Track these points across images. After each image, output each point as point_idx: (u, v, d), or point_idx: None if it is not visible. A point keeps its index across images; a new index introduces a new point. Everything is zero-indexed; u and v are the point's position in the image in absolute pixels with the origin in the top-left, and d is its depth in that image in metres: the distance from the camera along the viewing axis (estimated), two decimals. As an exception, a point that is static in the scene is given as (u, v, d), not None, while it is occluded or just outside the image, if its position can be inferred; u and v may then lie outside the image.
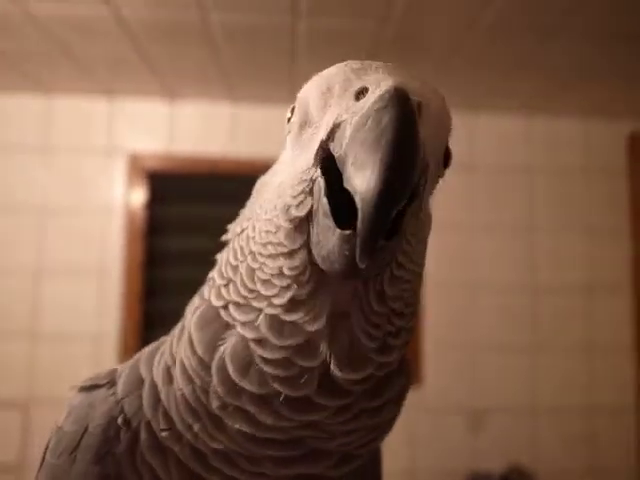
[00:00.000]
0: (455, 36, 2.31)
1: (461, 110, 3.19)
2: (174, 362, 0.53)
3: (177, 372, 0.51)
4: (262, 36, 2.34)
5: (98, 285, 2.99)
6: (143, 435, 0.52)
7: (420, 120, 0.42)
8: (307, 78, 0.52)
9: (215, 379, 0.48)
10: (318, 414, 0.47)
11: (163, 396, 0.52)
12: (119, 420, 0.53)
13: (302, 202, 0.45)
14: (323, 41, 2.36)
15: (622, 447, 3.08)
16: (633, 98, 2.96)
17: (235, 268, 0.51)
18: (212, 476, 0.51)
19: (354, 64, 0.48)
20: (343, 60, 0.50)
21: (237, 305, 0.49)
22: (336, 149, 0.43)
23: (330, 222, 0.42)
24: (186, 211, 3.09)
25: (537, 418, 3.08)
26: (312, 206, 0.45)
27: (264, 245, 0.48)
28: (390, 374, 0.50)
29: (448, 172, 0.52)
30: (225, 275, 0.52)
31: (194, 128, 3.15)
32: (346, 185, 0.41)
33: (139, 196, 3.05)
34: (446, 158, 0.51)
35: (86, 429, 0.54)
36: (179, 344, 0.54)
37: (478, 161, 3.20)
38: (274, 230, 0.47)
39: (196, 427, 0.49)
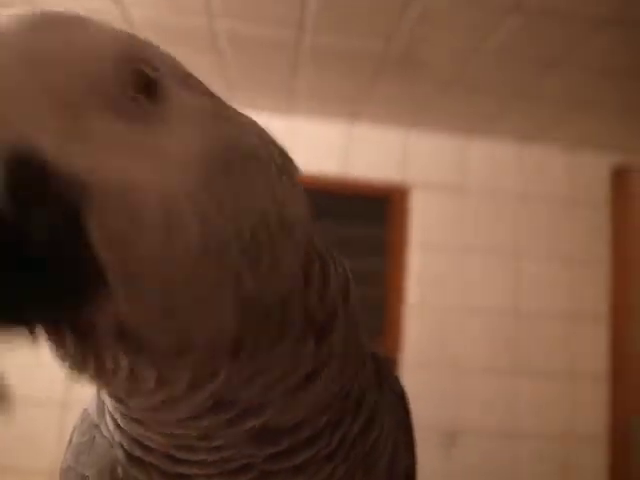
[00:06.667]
0: (457, 61, 2.35)
1: (456, 133, 3.23)
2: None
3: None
4: (266, 47, 2.36)
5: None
6: (119, 453, 0.52)
7: None
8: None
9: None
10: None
11: (121, 424, 0.51)
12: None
13: None
14: (326, 57, 2.38)
15: (596, 475, 3.09)
16: (619, 132, 3.02)
17: None
18: (192, 469, 0.50)
19: None
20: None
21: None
22: None
23: None
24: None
25: (516, 442, 3.07)
26: None
27: None
28: None
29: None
30: None
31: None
32: None
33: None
34: (138, 80, 0.34)
35: None
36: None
37: (469, 184, 3.24)
38: None
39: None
